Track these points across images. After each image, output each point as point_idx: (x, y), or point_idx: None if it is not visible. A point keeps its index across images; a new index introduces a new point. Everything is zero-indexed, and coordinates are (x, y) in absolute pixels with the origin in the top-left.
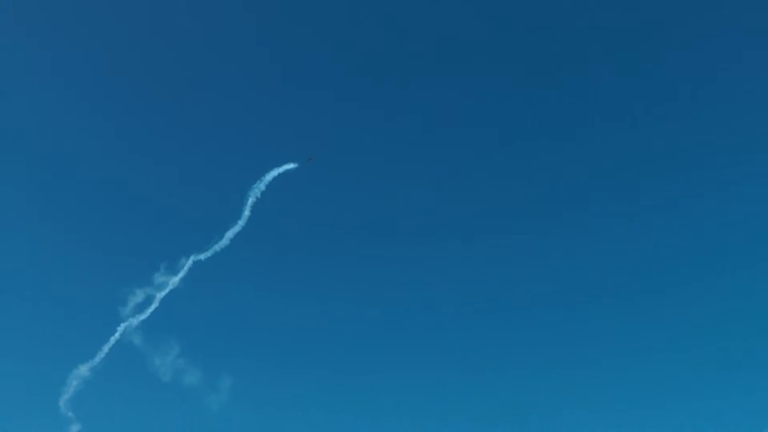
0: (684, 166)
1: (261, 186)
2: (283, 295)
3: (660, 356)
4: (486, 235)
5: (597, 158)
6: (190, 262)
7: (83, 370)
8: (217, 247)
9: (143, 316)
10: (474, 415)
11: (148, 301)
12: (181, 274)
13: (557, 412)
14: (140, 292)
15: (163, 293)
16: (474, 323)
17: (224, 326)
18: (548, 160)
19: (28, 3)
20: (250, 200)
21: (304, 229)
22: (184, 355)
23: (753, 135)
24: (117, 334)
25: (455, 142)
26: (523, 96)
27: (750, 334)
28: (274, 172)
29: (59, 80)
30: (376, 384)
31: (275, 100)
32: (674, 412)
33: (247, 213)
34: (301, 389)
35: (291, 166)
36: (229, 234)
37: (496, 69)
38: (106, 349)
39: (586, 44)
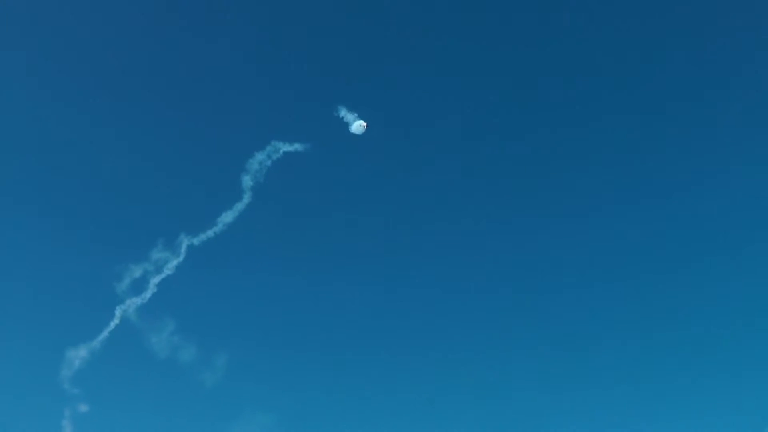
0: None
1: (264, 164)
2: (281, 272)
3: (660, 356)
4: (497, 220)
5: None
6: (185, 243)
7: (82, 350)
8: (214, 227)
9: (140, 301)
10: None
11: (145, 279)
12: (177, 261)
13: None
14: (137, 268)
15: (159, 278)
16: (484, 311)
17: (219, 303)
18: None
19: None
20: (251, 178)
21: (305, 209)
22: (179, 332)
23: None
24: (116, 319)
25: (462, 123)
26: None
27: (750, 334)
28: (279, 151)
29: (47, 63)
30: (373, 365)
31: (275, 76)
32: (674, 412)
33: (247, 191)
34: (297, 366)
35: (297, 146)
36: (228, 213)
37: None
38: (105, 333)
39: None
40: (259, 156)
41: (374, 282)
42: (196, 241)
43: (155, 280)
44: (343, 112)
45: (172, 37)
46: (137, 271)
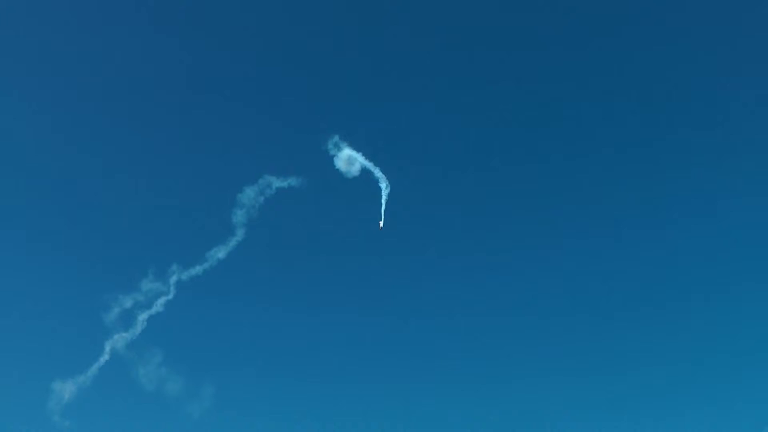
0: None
1: (256, 200)
2: (269, 303)
3: (660, 356)
4: (489, 239)
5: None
6: (175, 277)
7: (72, 382)
8: (204, 262)
9: (130, 336)
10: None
11: (136, 310)
12: (166, 297)
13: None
14: (128, 299)
15: (148, 313)
16: (468, 337)
17: (206, 334)
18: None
19: None
20: (242, 211)
21: (291, 241)
22: (166, 364)
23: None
24: (105, 355)
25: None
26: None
27: (750, 334)
28: (272, 187)
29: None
30: (360, 393)
31: (268, 103)
32: (674, 413)
33: (238, 224)
34: (284, 396)
35: (291, 181)
36: (219, 247)
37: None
38: (95, 368)
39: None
40: (251, 191)
41: (364, 316)
42: (185, 275)
43: (144, 316)
44: (336, 149)
45: (164, 66)
46: (127, 302)
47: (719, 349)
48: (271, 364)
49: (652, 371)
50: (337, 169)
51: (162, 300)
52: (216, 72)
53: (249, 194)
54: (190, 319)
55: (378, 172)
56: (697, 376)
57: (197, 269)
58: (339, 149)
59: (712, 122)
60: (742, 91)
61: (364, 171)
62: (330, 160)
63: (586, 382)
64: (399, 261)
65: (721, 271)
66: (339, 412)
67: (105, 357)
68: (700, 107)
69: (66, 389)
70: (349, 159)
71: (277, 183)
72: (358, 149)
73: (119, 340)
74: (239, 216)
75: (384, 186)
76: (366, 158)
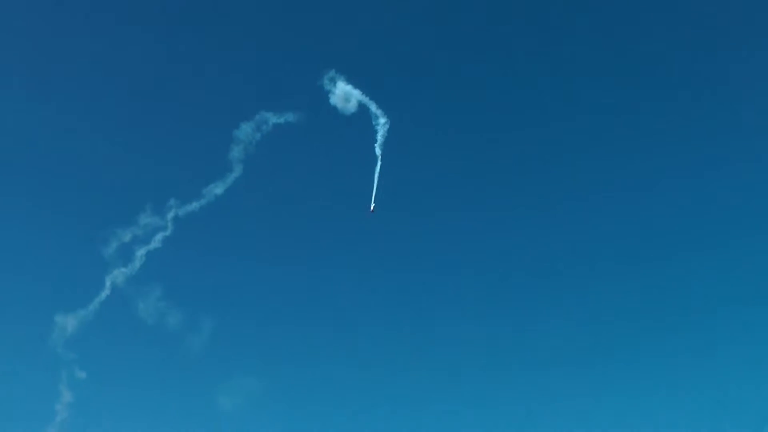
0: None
1: (252, 135)
2: (266, 240)
3: (660, 356)
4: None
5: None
6: (172, 214)
7: (74, 316)
8: (201, 196)
9: (130, 272)
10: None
11: (134, 245)
12: (163, 234)
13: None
14: (126, 233)
15: (147, 248)
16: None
17: (204, 270)
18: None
19: None
20: (239, 147)
21: (294, 180)
22: (165, 298)
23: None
24: (106, 290)
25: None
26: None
27: (750, 334)
28: (269, 122)
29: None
30: (359, 333)
31: (263, 38)
32: (675, 412)
33: (235, 160)
34: (284, 332)
35: (290, 117)
36: (215, 183)
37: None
38: (96, 302)
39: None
40: (247, 127)
41: (360, 253)
42: (182, 211)
43: (143, 252)
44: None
45: (160, 3)
46: (126, 236)
47: (719, 349)
48: (268, 299)
49: (652, 371)
50: (334, 106)
51: (160, 236)
52: (211, 7)
53: (246, 130)
54: (187, 255)
55: (375, 108)
56: (697, 376)
57: (194, 205)
58: (335, 84)
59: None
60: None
61: (362, 107)
62: (326, 95)
63: (587, 381)
64: (398, 194)
65: (722, 270)
66: (336, 346)
67: (106, 292)
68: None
69: (69, 323)
70: (345, 95)
71: (274, 119)
72: (355, 85)
73: (119, 275)
74: (236, 152)
75: (382, 122)
76: (363, 94)
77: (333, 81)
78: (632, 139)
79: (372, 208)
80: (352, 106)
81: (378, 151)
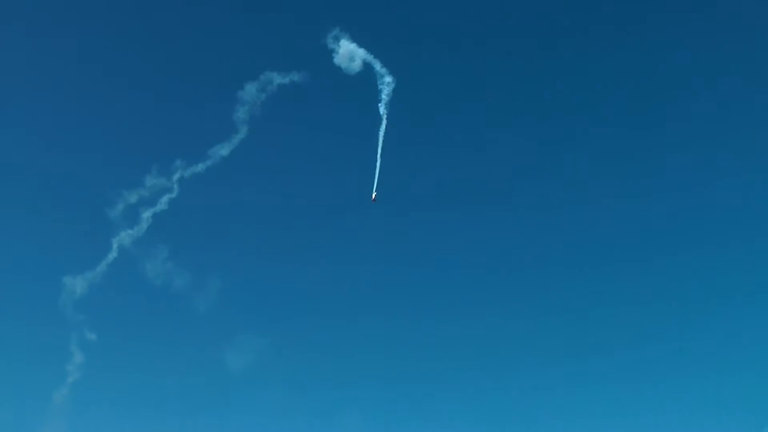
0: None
1: (257, 95)
2: (271, 200)
3: (660, 356)
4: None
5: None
6: (178, 175)
7: (82, 278)
8: (206, 158)
9: (136, 233)
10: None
11: (140, 207)
12: (169, 196)
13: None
14: (133, 195)
15: (153, 210)
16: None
17: (211, 231)
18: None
19: None
20: (244, 108)
21: (294, 138)
22: (172, 259)
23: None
24: (114, 252)
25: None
26: None
27: (750, 334)
28: (273, 83)
29: None
30: (366, 292)
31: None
32: (675, 412)
33: (240, 121)
34: (290, 290)
35: (295, 77)
36: (221, 144)
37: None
38: (104, 264)
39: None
40: (252, 87)
41: (365, 215)
42: (188, 172)
43: (149, 213)
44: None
45: None
46: (132, 198)
47: (719, 349)
48: (274, 259)
49: (652, 370)
50: (338, 65)
51: (166, 198)
52: None
53: (250, 91)
54: (194, 216)
55: (380, 67)
56: (697, 376)
57: (200, 167)
58: (339, 43)
59: None
60: None
61: (366, 65)
62: (330, 54)
63: (587, 381)
64: (402, 153)
65: (722, 270)
66: (343, 306)
67: (113, 254)
68: None
69: (78, 285)
70: (349, 53)
71: (279, 79)
72: (360, 44)
73: (126, 237)
74: (241, 113)
75: (387, 81)
76: (368, 52)
77: (337, 39)
78: (632, 139)
79: (373, 197)
80: (356, 66)
81: (383, 110)
